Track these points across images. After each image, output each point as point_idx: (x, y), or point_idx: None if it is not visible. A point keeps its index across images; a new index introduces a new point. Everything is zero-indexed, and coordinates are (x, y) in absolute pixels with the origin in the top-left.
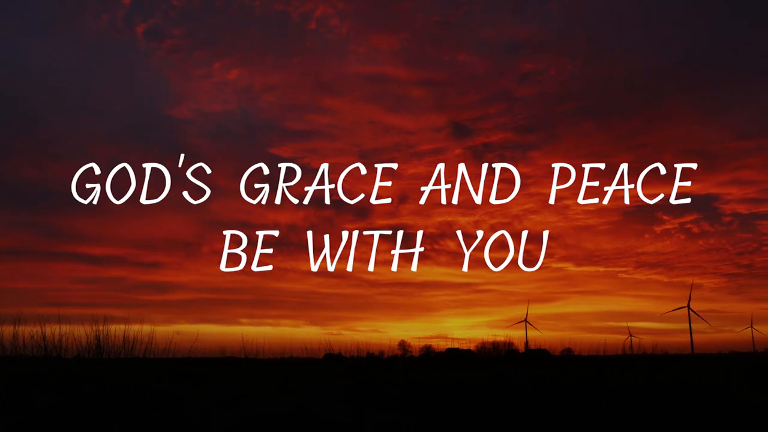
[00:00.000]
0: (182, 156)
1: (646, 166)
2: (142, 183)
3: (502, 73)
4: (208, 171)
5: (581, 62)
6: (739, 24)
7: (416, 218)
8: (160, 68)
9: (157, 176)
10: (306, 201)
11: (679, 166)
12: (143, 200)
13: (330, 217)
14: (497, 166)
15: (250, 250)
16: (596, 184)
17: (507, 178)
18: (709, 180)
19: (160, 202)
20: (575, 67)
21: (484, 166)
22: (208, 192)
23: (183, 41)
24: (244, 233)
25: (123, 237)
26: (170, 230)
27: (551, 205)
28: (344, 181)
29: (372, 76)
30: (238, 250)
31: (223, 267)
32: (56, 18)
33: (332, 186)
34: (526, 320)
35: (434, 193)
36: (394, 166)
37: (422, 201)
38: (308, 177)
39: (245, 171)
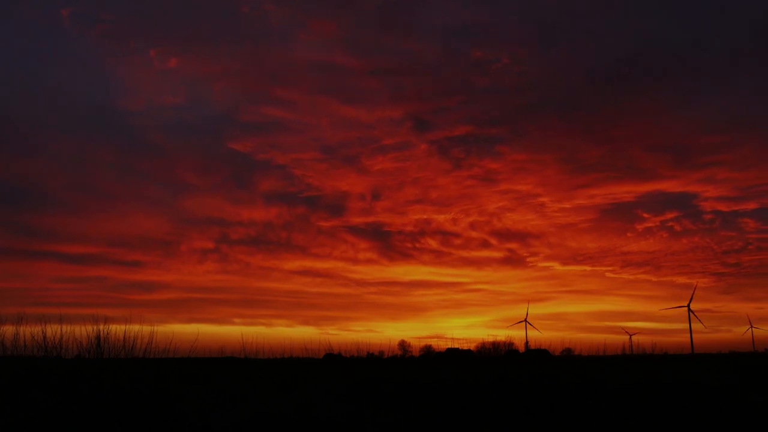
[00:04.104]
0: (141, 151)
1: (617, 161)
2: (111, 180)
3: (455, 61)
4: (173, 167)
5: (536, 50)
6: (705, 12)
7: (393, 216)
8: (99, 56)
9: (123, 173)
10: (277, 198)
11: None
12: (113, 197)
13: (304, 214)
14: (465, 162)
15: (230, 248)
16: (568, 180)
17: (476, 174)
18: (684, 177)
19: (129, 199)
20: (531, 55)
21: (452, 162)
22: (178, 189)
23: (114, 26)
24: (220, 231)
25: (97, 235)
26: (144, 228)
27: (526, 202)
28: (312, 177)
29: (320, 64)
30: (219, 250)
31: (209, 267)
32: None
33: (302, 182)
34: (526, 320)
35: (407, 190)
36: (362, 162)
37: (396, 198)
38: (275, 173)
39: (209, 167)
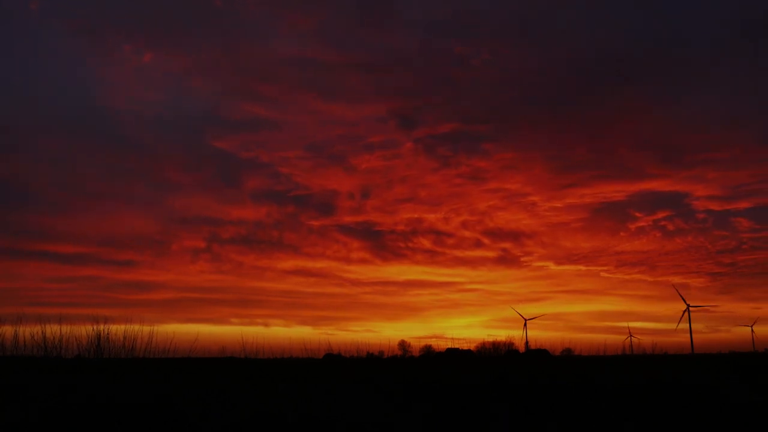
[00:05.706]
0: (126, 149)
1: (606, 160)
2: (99, 179)
3: (436, 57)
4: (158, 165)
5: (519, 46)
6: (693, 9)
7: (383, 215)
8: (74, 52)
9: (110, 171)
10: (265, 197)
11: (641, 161)
12: (102, 196)
13: (294, 213)
14: (453, 161)
15: (221, 247)
16: (556, 179)
17: (464, 173)
18: (674, 176)
19: (117, 198)
20: (514, 51)
21: (439, 161)
22: (165, 187)
23: (86, 21)
24: (210, 231)
25: (89, 235)
26: (135, 227)
27: (516, 201)
28: (299, 175)
29: (300, 60)
30: (210, 249)
31: (203, 267)
32: None
33: (289, 180)
34: (525, 321)
35: (396, 189)
36: (348, 160)
37: (385, 197)
38: (261, 171)
39: (194, 165)
